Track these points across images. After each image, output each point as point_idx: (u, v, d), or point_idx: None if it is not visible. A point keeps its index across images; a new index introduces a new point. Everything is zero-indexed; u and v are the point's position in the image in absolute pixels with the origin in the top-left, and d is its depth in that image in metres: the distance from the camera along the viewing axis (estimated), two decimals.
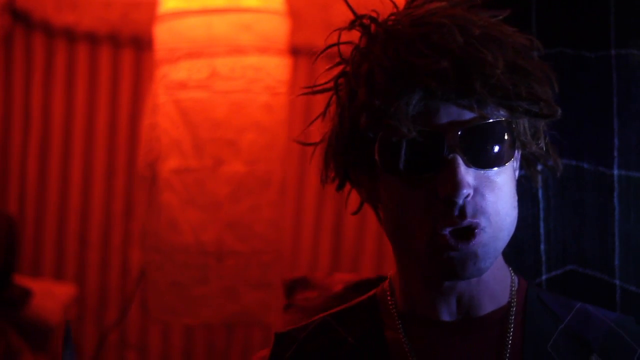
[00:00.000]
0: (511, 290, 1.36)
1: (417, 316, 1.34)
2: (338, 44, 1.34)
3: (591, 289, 1.50)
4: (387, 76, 1.24)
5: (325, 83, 1.35)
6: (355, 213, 1.41)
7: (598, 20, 1.51)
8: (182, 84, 2.97)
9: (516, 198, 1.31)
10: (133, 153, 3.83)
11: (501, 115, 1.26)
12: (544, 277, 1.51)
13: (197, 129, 2.96)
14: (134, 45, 3.95)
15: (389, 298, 1.38)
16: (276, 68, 3.03)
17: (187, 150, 2.95)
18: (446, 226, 1.24)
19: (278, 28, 3.04)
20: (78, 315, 3.96)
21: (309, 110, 3.85)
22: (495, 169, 1.26)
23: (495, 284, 1.34)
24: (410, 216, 1.26)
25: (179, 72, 2.96)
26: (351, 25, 1.32)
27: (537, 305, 1.36)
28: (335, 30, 1.34)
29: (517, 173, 1.34)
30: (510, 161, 1.28)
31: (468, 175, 1.24)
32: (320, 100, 1.35)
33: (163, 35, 3.01)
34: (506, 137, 1.27)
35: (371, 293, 1.41)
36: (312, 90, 1.37)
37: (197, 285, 2.96)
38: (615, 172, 1.50)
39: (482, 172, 1.25)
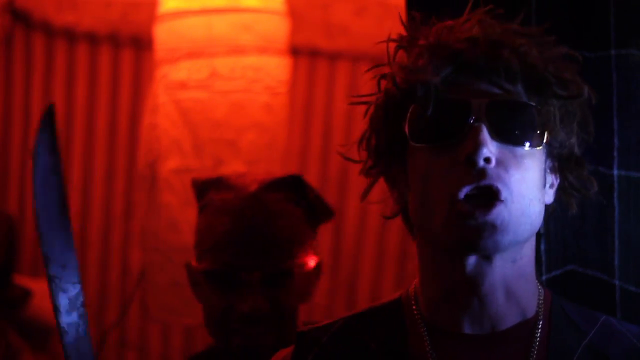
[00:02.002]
0: (538, 302, 1.35)
1: (441, 327, 1.33)
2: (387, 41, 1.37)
3: (591, 289, 1.50)
4: (423, 50, 1.30)
5: (370, 95, 1.38)
6: (391, 217, 1.45)
7: (598, 20, 1.51)
8: (182, 84, 2.97)
9: (542, 199, 1.31)
10: (133, 153, 3.83)
11: (531, 100, 1.29)
12: (544, 277, 1.51)
13: (197, 129, 2.96)
14: (134, 45, 3.95)
15: (413, 306, 1.37)
16: (276, 68, 3.03)
17: (187, 150, 2.95)
18: (464, 185, 1.25)
19: (278, 28, 3.04)
20: None
21: (308, 110, 3.85)
22: (522, 148, 1.28)
23: (523, 296, 1.33)
24: (433, 184, 1.28)
25: (179, 72, 2.96)
26: (400, 43, 1.36)
27: (562, 319, 1.35)
28: (383, 42, 1.37)
29: (551, 194, 1.35)
30: (539, 150, 1.29)
31: (491, 144, 1.26)
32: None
33: (163, 35, 3.01)
34: (534, 119, 1.29)
35: (395, 297, 1.41)
36: (359, 101, 1.40)
37: None
38: (615, 172, 1.50)
39: (508, 148, 1.27)
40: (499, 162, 1.26)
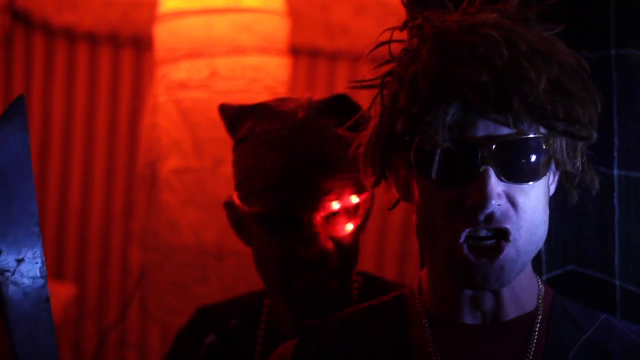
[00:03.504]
0: (538, 298, 1.37)
1: (443, 317, 1.35)
2: (389, 42, 1.36)
3: (591, 288, 1.50)
4: (428, 83, 1.25)
5: (373, 79, 1.36)
6: (390, 209, 1.42)
7: (598, 20, 1.50)
8: (182, 84, 2.96)
9: (547, 213, 1.31)
10: (133, 153, 3.83)
11: (538, 131, 1.27)
12: (544, 277, 1.51)
13: (197, 129, 2.96)
14: (134, 45, 3.95)
15: (417, 297, 1.38)
16: (276, 68, 3.03)
17: (187, 150, 2.95)
18: (467, 227, 1.25)
19: (278, 28, 3.04)
20: (78, 315, 3.96)
21: None
22: (530, 183, 1.27)
23: (523, 291, 1.35)
24: (436, 220, 1.27)
25: (179, 72, 2.96)
26: (404, 26, 1.34)
27: (562, 315, 1.36)
28: (387, 30, 1.36)
29: (552, 188, 1.34)
30: (545, 176, 1.29)
31: (498, 187, 1.25)
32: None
33: (163, 35, 3.01)
34: (541, 153, 1.28)
35: (398, 293, 1.42)
36: (360, 85, 1.38)
37: (197, 285, 2.95)
38: (615, 172, 1.50)
39: (517, 185, 1.26)
40: (507, 198, 1.26)
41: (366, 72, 1.38)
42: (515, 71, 1.24)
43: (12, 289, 1.26)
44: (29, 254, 1.28)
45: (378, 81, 1.35)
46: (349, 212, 1.77)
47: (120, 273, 4.00)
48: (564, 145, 1.31)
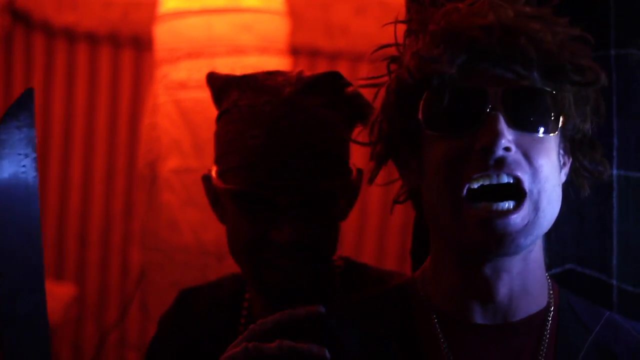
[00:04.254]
0: (549, 294, 1.35)
1: (452, 315, 1.32)
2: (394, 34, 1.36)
3: (589, 288, 1.50)
4: (436, 36, 1.27)
5: (378, 77, 1.37)
6: (401, 202, 1.40)
7: (598, 20, 1.50)
8: (182, 84, 2.96)
9: (561, 181, 1.30)
10: (133, 153, 3.83)
11: (547, 86, 1.27)
12: None
13: (197, 129, 2.96)
14: (134, 45, 3.95)
15: (420, 291, 1.35)
16: (276, 68, 3.03)
17: (187, 150, 2.95)
18: (479, 172, 1.23)
19: (278, 28, 3.04)
20: (78, 315, 3.96)
21: None
22: (538, 134, 1.26)
23: (535, 287, 1.32)
24: (447, 174, 1.25)
25: (179, 72, 2.96)
26: (410, 26, 1.34)
27: (568, 313, 1.34)
28: (391, 23, 1.36)
29: (563, 174, 1.33)
30: (556, 135, 1.28)
31: (508, 132, 1.23)
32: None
33: (163, 35, 3.01)
34: (550, 105, 1.27)
35: (396, 284, 1.40)
36: (368, 84, 1.38)
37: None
38: (615, 171, 1.50)
39: (525, 134, 1.25)
40: (518, 148, 1.24)
41: (368, 72, 1.38)
42: (518, 13, 1.27)
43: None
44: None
45: (384, 78, 1.35)
46: (329, 197, 1.66)
47: (120, 273, 4.01)
48: (572, 102, 1.30)
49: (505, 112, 1.24)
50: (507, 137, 1.23)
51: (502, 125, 1.23)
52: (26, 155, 1.26)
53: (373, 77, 1.37)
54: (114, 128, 4.02)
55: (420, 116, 1.29)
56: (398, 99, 1.31)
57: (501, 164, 1.23)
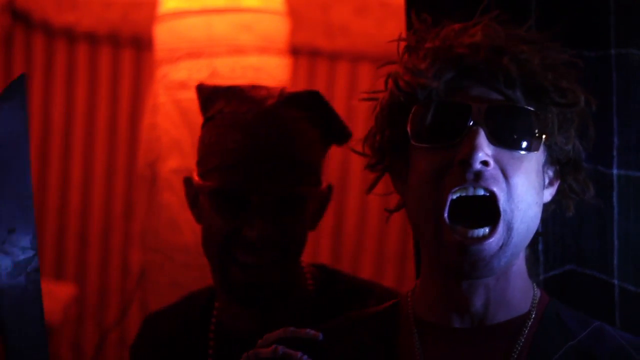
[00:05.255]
0: (532, 301, 1.37)
1: (431, 322, 1.36)
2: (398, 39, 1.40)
3: (590, 288, 1.50)
4: (428, 53, 1.32)
5: (379, 92, 1.41)
6: (393, 211, 1.45)
7: (598, 20, 1.51)
8: (182, 84, 2.96)
9: (541, 198, 1.33)
10: (133, 153, 3.83)
11: (530, 105, 1.31)
12: (542, 277, 1.51)
13: (197, 129, 2.95)
14: (134, 45, 3.95)
15: (410, 305, 1.39)
16: (276, 68, 3.03)
17: (187, 150, 2.95)
18: (457, 186, 1.27)
19: (278, 28, 3.04)
20: (78, 315, 3.96)
21: None
22: (519, 152, 1.29)
23: (515, 293, 1.35)
24: (428, 185, 1.30)
25: (179, 72, 2.96)
26: (409, 42, 1.38)
27: (553, 321, 1.36)
28: (393, 41, 1.40)
29: (548, 194, 1.36)
30: (536, 153, 1.31)
31: (488, 147, 1.27)
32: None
33: (163, 35, 3.01)
34: (532, 124, 1.30)
35: (395, 301, 1.43)
36: (370, 97, 1.42)
37: (197, 285, 2.95)
38: (615, 171, 1.50)
39: (506, 151, 1.29)
40: (497, 164, 1.28)
41: (368, 80, 1.42)
42: (508, 35, 1.32)
43: (1, 257, 1.28)
44: (21, 225, 1.29)
45: (381, 95, 1.40)
46: (298, 202, 1.81)
47: (120, 273, 4.00)
48: (555, 123, 1.33)
49: (487, 127, 1.29)
50: (486, 152, 1.27)
51: (482, 139, 1.27)
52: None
53: (373, 92, 1.41)
54: (114, 128, 4.02)
55: (408, 128, 1.33)
56: (390, 112, 1.37)
57: (478, 178, 1.27)
